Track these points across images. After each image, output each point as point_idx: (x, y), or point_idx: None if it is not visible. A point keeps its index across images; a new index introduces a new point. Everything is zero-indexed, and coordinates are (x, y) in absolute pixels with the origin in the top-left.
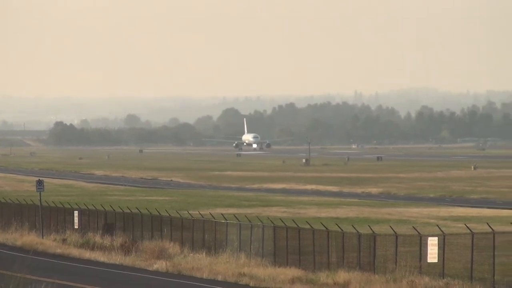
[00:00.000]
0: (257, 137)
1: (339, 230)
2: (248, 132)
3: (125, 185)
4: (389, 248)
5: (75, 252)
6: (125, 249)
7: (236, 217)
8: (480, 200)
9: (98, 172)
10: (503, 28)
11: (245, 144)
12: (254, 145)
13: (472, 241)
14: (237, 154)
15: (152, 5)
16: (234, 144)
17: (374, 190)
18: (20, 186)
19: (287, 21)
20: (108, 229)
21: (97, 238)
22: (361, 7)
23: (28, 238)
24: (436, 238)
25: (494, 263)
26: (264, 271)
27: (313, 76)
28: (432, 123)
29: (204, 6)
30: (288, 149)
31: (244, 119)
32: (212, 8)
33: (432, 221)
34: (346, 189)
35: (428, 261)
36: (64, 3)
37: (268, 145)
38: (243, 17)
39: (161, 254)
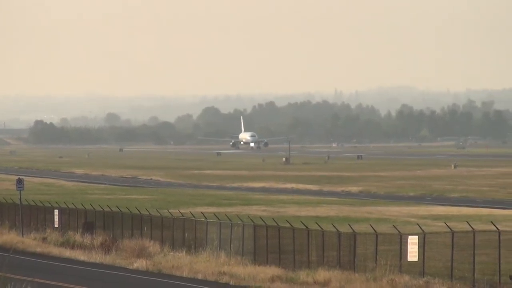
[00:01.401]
0: (254, 136)
1: (319, 228)
2: (246, 130)
3: (105, 184)
4: (369, 247)
5: (55, 250)
6: (105, 248)
7: (216, 216)
8: (460, 199)
9: (78, 171)
10: (482, 27)
11: (242, 142)
12: (252, 144)
13: (452, 239)
14: (217, 153)
15: (133, 5)
16: (231, 143)
17: (354, 188)
18: (0, 185)
19: (267, 19)
20: (88, 227)
21: (77, 237)
22: (340, 6)
23: (8, 237)
24: (416, 237)
25: (474, 262)
26: (244, 269)
27: (293, 74)
28: (412, 122)
29: (184, 5)
30: (273, 148)
31: (241, 117)
32: (191, 7)
33: (412, 219)
34: (326, 188)
35: (408, 260)
36: (45, 2)
37: (266, 144)
38: (223, 15)
39: (141, 253)
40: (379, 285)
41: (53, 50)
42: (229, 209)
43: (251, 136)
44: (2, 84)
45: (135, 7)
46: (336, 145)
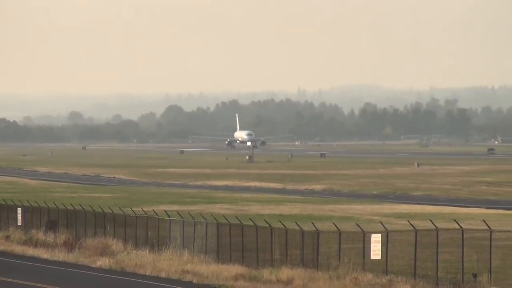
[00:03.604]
0: (251, 135)
1: (283, 227)
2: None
3: (68, 182)
4: (332, 245)
5: (18, 249)
6: (68, 246)
7: (179, 214)
8: (423, 197)
9: (42, 169)
10: (446, 25)
11: (238, 141)
12: (248, 143)
13: (416, 238)
14: (180, 151)
15: (95, 3)
16: (226, 142)
17: (317, 187)
18: None
19: (230, 18)
20: (51, 226)
21: (40, 235)
22: (304, 4)
23: None
24: (379, 235)
25: (437, 260)
26: (207, 268)
27: (256, 72)
28: (376, 120)
29: (145, 4)
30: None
31: (236, 114)
32: (152, 6)
33: (375, 218)
34: (289, 186)
35: (372, 258)
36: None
37: (263, 143)
38: (184, 12)
39: (104, 251)
40: (342, 283)
41: (16, 48)
42: (192, 207)
43: (248, 134)
44: None
45: (97, 6)
46: (299, 143)
